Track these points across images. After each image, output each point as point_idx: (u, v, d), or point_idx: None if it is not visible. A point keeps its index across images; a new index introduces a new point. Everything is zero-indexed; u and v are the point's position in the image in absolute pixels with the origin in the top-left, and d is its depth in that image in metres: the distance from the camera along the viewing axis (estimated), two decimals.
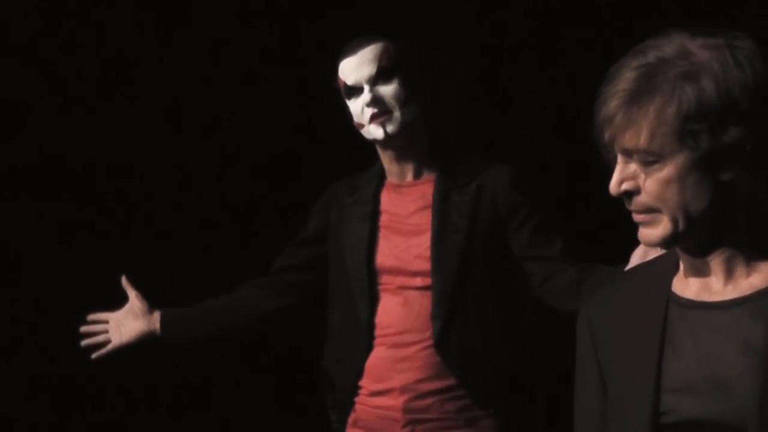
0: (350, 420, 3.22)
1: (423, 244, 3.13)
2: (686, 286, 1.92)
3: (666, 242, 1.86)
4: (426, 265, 3.12)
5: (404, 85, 3.10)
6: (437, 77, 4.04)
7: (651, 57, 1.82)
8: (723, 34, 1.82)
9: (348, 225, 3.22)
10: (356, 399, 3.19)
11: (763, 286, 1.85)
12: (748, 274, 1.87)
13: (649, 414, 1.87)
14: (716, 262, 1.88)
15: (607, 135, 1.84)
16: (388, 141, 3.12)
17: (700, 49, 1.81)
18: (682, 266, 1.93)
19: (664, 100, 1.79)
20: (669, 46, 1.82)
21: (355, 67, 3.11)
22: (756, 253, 1.87)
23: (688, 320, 1.89)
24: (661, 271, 1.95)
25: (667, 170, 1.82)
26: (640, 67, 1.82)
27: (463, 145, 3.85)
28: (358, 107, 3.11)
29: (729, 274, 1.88)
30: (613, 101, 1.82)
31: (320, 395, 3.31)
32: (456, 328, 3.11)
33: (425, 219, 3.15)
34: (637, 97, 1.81)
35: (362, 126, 3.13)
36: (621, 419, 1.93)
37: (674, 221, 1.84)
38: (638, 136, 1.81)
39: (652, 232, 1.86)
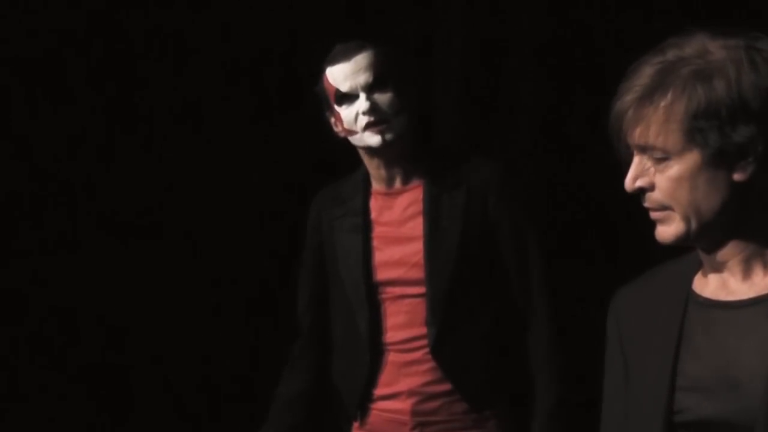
0: (356, 424, 3.22)
1: (418, 252, 3.12)
2: (705, 285, 1.93)
3: (680, 240, 1.88)
4: (422, 273, 3.12)
5: (398, 93, 3.07)
6: (426, 81, 4.06)
7: (670, 55, 1.84)
8: (745, 35, 1.84)
9: (339, 238, 3.20)
10: (363, 405, 3.19)
11: None
12: (766, 274, 1.88)
13: (663, 412, 1.89)
14: (734, 261, 1.89)
15: (619, 130, 1.86)
16: (384, 149, 3.09)
17: (718, 49, 1.83)
18: (703, 265, 1.94)
19: (674, 97, 1.82)
20: (689, 44, 1.85)
21: (350, 74, 3.07)
22: None
23: (704, 319, 1.91)
24: (684, 269, 1.97)
25: (677, 168, 1.84)
26: (657, 63, 1.84)
27: (456, 148, 3.83)
28: (352, 114, 3.07)
29: (747, 273, 1.89)
30: (627, 96, 1.85)
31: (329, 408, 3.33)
32: (451, 333, 3.10)
33: (418, 226, 3.13)
34: (650, 93, 1.83)
35: (353, 133, 3.10)
36: (637, 415, 1.95)
37: (686, 220, 1.86)
38: (648, 131, 1.84)
39: (667, 229, 1.88)
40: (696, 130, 1.81)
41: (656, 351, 1.93)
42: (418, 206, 3.13)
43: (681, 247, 1.92)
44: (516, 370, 3.18)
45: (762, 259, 1.88)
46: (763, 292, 1.86)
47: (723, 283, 1.91)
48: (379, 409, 3.17)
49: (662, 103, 1.82)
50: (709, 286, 1.92)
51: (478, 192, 3.12)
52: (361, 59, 3.07)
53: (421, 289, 3.11)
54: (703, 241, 1.89)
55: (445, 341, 3.10)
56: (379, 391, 3.16)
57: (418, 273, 3.11)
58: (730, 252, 1.89)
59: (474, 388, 3.13)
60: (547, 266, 3.14)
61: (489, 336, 3.14)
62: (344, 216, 3.20)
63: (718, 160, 1.82)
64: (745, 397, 1.82)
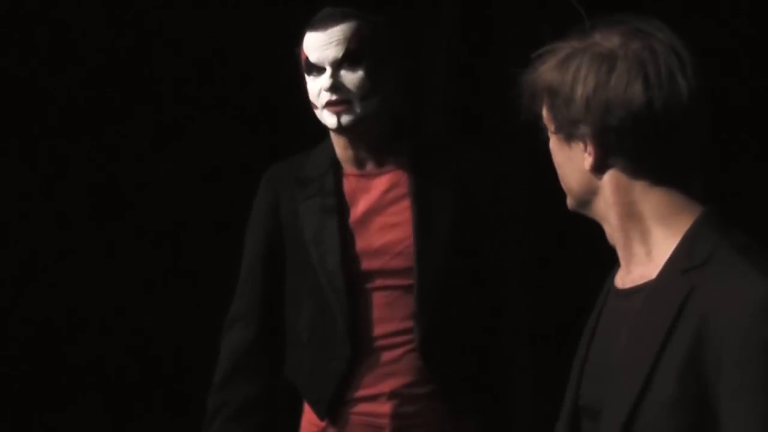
0: (322, 425, 3.04)
1: (403, 240, 2.95)
2: (617, 273, 1.97)
3: (573, 211, 1.95)
4: (408, 263, 2.94)
5: (370, 74, 2.89)
6: (412, 58, 3.91)
7: (573, 41, 1.88)
8: (634, 30, 1.85)
9: (308, 221, 2.99)
10: (335, 406, 3.00)
11: (652, 276, 1.86)
12: (645, 264, 1.88)
13: (572, 396, 1.97)
14: (618, 247, 1.92)
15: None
16: (340, 131, 2.94)
17: (599, 39, 1.85)
18: None
19: (534, 77, 1.89)
20: (594, 33, 1.87)
21: (321, 45, 2.89)
22: (652, 243, 1.87)
23: (608, 307, 1.96)
24: None
25: (550, 143, 1.93)
26: (561, 47, 1.89)
27: (437, 134, 3.71)
28: (316, 88, 2.91)
29: (628, 260, 1.91)
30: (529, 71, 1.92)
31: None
32: (439, 330, 2.96)
33: (402, 213, 2.96)
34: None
35: (315, 107, 2.94)
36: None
37: (567, 192, 1.93)
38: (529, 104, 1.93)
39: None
40: (538, 109, 1.90)
41: (583, 337, 2.00)
42: (400, 190, 2.97)
43: None
44: (495, 371, 3.07)
45: (645, 247, 1.88)
46: (639, 282, 1.88)
47: (621, 272, 1.94)
48: (356, 412, 2.99)
49: (531, 79, 1.90)
50: (619, 274, 1.95)
51: (466, 180, 2.99)
52: (338, 31, 2.89)
53: (405, 281, 2.95)
54: (590, 216, 1.93)
55: (433, 338, 2.95)
56: (357, 393, 2.98)
57: (403, 262, 2.94)
58: (613, 237, 1.91)
59: (457, 390, 3.01)
60: (526, 265, 3.00)
61: (472, 335, 3.02)
62: (313, 197, 3.00)
63: (564, 144, 1.88)
64: (607, 385, 1.87)
